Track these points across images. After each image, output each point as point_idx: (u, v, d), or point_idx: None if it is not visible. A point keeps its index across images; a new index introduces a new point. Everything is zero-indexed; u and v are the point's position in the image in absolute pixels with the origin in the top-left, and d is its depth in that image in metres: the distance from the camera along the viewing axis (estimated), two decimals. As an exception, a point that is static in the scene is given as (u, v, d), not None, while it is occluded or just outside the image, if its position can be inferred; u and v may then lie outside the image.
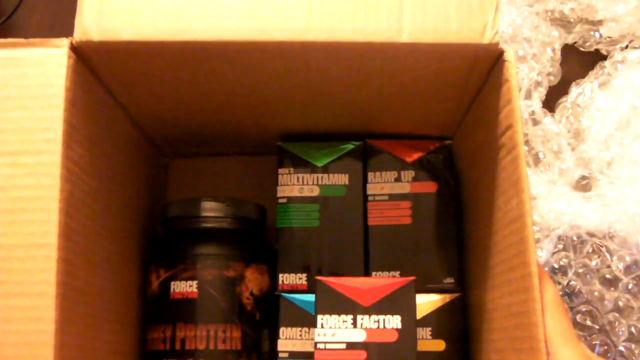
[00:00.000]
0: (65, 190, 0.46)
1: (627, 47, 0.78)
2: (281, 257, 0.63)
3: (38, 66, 0.47)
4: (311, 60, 0.52)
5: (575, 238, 0.72)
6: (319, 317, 0.54)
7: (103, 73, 0.53)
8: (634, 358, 0.69)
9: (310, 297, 0.61)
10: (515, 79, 0.48)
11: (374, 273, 0.62)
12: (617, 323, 0.69)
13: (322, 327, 0.53)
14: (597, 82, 0.77)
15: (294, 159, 0.65)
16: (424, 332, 0.60)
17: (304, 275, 0.62)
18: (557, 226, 0.72)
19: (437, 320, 0.61)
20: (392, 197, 0.63)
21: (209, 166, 0.76)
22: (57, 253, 0.45)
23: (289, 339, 0.60)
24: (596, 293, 0.70)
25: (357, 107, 0.61)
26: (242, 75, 0.54)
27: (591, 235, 0.72)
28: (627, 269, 0.70)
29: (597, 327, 0.70)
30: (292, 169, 0.65)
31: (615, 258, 0.71)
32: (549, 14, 0.79)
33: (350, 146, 0.65)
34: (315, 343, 0.53)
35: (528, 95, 0.77)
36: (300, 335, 0.60)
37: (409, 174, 0.64)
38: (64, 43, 0.47)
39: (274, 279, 0.63)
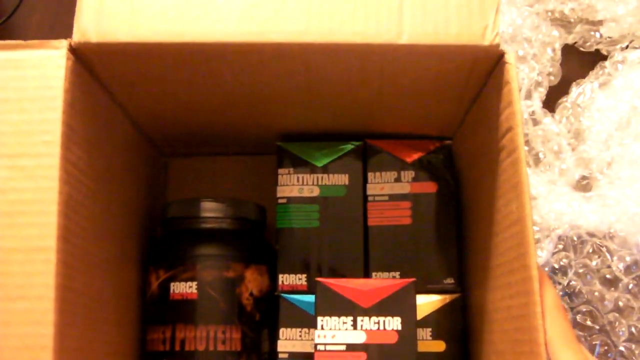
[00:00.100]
0: (64, 192, 0.46)
1: (627, 47, 0.78)
2: (281, 257, 0.63)
3: (36, 68, 0.47)
4: (311, 62, 0.51)
5: (575, 238, 0.72)
6: (319, 318, 0.54)
7: (102, 74, 0.53)
8: (634, 358, 0.69)
9: (310, 298, 0.61)
10: (516, 81, 0.48)
11: (373, 273, 0.62)
12: (617, 323, 0.69)
13: (322, 328, 0.53)
14: (598, 82, 0.77)
15: (293, 159, 0.65)
16: (424, 333, 0.60)
17: (304, 275, 0.62)
18: (558, 226, 0.72)
19: (437, 321, 0.61)
20: (392, 197, 0.63)
21: (208, 166, 0.76)
22: (56, 256, 0.44)
23: (288, 340, 0.60)
24: (596, 293, 0.70)
25: (357, 107, 0.61)
26: (241, 76, 0.54)
27: (591, 235, 0.72)
28: (627, 269, 0.70)
29: (597, 327, 0.70)
30: (291, 169, 0.64)
31: (615, 258, 0.71)
32: (549, 14, 0.79)
33: (350, 146, 0.65)
34: (315, 345, 0.53)
35: (528, 95, 0.77)
36: (300, 336, 0.60)
37: (409, 174, 0.64)
38: (62, 45, 0.47)
39: (273, 280, 0.63)
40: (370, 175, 0.64)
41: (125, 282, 0.61)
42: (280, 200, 0.64)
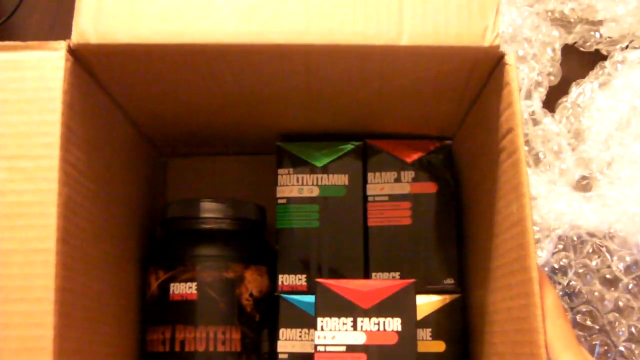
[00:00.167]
0: (63, 194, 0.46)
1: (627, 47, 0.78)
2: (281, 257, 0.63)
3: (35, 69, 0.47)
4: (311, 63, 0.51)
5: (575, 238, 0.72)
6: (319, 319, 0.54)
7: (101, 75, 0.53)
8: (634, 358, 0.69)
9: (310, 298, 0.61)
10: (516, 82, 0.48)
11: (373, 274, 0.62)
12: (617, 323, 0.69)
13: (322, 329, 0.53)
14: (598, 82, 0.77)
15: (293, 159, 0.65)
16: (424, 333, 0.60)
17: (304, 276, 0.62)
18: (557, 226, 0.72)
19: (437, 321, 0.60)
20: (392, 197, 0.63)
21: (208, 166, 0.76)
22: (55, 258, 0.44)
23: (288, 340, 0.60)
24: (596, 293, 0.70)
25: (357, 107, 0.61)
26: (241, 77, 0.54)
27: (591, 235, 0.72)
28: (627, 269, 0.70)
29: (597, 327, 0.70)
30: (291, 169, 0.64)
31: (615, 258, 0.71)
32: (549, 14, 0.79)
33: (350, 146, 0.65)
34: (315, 346, 0.53)
35: (528, 95, 0.77)
36: (300, 337, 0.60)
37: (408, 175, 0.64)
38: (61, 46, 0.47)
39: (273, 280, 0.63)
40: (370, 175, 0.64)
41: (124, 282, 0.61)
42: (280, 201, 0.64)
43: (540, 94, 0.77)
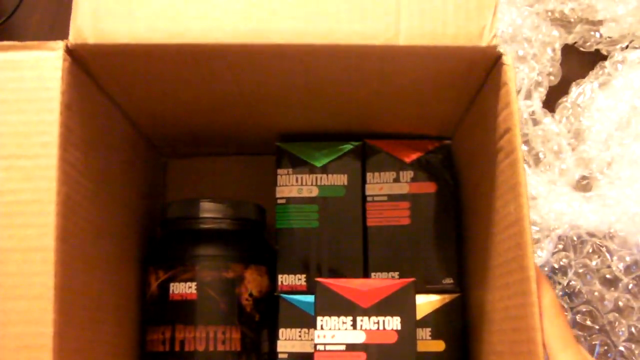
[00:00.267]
0: (62, 193, 0.46)
1: (627, 47, 0.78)
2: (280, 257, 0.63)
3: (33, 69, 0.47)
4: (309, 63, 0.51)
5: (575, 238, 0.72)
6: (319, 318, 0.54)
7: (99, 75, 0.53)
8: (634, 358, 0.69)
9: (310, 298, 0.61)
10: (513, 82, 0.48)
11: (373, 274, 0.62)
12: (617, 323, 0.69)
13: (321, 328, 0.53)
14: (597, 82, 0.77)
15: (292, 159, 0.65)
16: (424, 333, 0.60)
17: (304, 276, 0.62)
18: (557, 226, 0.72)
19: (437, 321, 0.61)
20: (391, 197, 0.63)
21: (208, 166, 0.76)
22: (54, 256, 0.45)
23: (288, 340, 0.60)
24: (596, 293, 0.70)
25: (356, 107, 0.61)
26: (240, 77, 0.54)
27: (591, 235, 0.72)
28: (627, 269, 0.70)
29: (597, 327, 0.70)
30: (291, 170, 0.64)
31: (615, 258, 0.71)
32: (549, 14, 0.79)
33: (349, 146, 0.65)
34: (315, 345, 0.53)
35: (528, 95, 0.77)
36: (300, 336, 0.60)
37: (407, 175, 0.64)
38: (59, 46, 0.47)
39: (273, 280, 0.63)
40: (369, 175, 0.64)
41: (124, 282, 0.61)
42: (279, 201, 0.64)
43: (540, 94, 0.77)
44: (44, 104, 0.46)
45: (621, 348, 0.69)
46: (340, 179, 0.64)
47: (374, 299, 0.54)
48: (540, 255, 0.71)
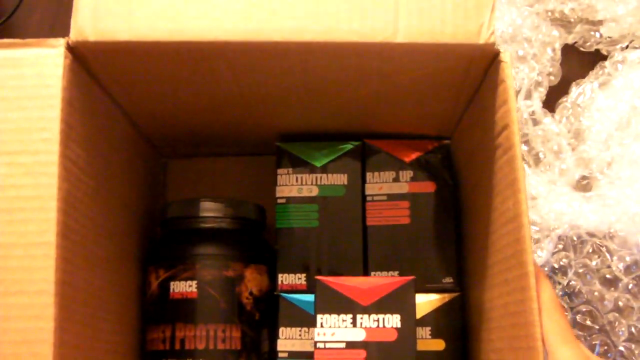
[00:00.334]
0: (63, 188, 0.46)
1: (627, 47, 0.78)
2: (280, 257, 0.63)
3: (34, 66, 0.47)
4: (308, 61, 0.52)
5: (575, 238, 0.72)
6: (319, 316, 0.54)
7: (100, 73, 0.53)
8: (634, 358, 0.69)
9: (310, 297, 0.61)
10: (511, 79, 0.48)
11: (372, 273, 0.62)
12: (617, 323, 0.69)
13: (321, 326, 0.54)
14: (597, 82, 0.77)
15: (292, 159, 0.65)
16: (424, 332, 0.60)
17: (303, 275, 0.62)
18: (557, 226, 0.72)
19: (437, 320, 0.61)
20: (391, 197, 0.63)
21: (208, 167, 0.76)
22: (55, 251, 0.45)
23: (288, 339, 0.61)
24: (596, 293, 0.70)
25: (356, 106, 0.61)
26: (240, 75, 0.54)
27: (591, 235, 0.72)
28: (627, 269, 0.70)
29: (597, 327, 0.70)
30: (291, 169, 0.65)
31: (615, 258, 0.71)
32: (549, 14, 0.79)
33: (349, 146, 0.65)
34: (315, 342, 0.53)
35: (528, 95, 0.77)
36: (300, 335, 0.60)
37: (407, 174, 0.64)
38: (60, 43, 0.47)
39: (273, 279, 0.63)
40: (368, 175, 0.64)
41: (124, 281, 0.62)
42: (279, 200, 0.64)
43: (540, 94, 0.77)
44: (45, 100, 0.46)
45: (621, 348, 0.69)
46: (340, 179, 0.64)
47: (374, 297, 0.54)
48: (540, 255, 0.71)
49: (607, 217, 0.71)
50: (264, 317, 0.62)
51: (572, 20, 0.79)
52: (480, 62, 0.51)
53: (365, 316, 0.53)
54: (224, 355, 0.60)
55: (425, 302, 0.61)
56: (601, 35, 0.79)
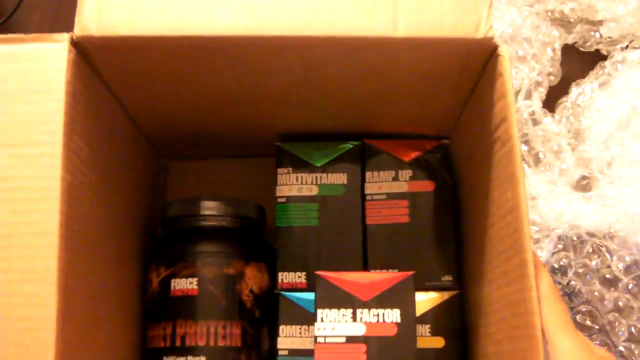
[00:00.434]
0: (66, 180, 0.46)
1: (627, 47, 0.79)
2: (280, 255, 0.63)
3: (39, 61, 0.47)
4: (308, 58, 0.52)
5: (575, 238, 0.72)
6: (319, 311, 0.54)
7: (103, 69, 0.53)
8: (634, 358, 0.68)
9: (310, 296, 0.61)
10: (509, 73, 0.49)
11: (372, 271, 0.62)
12: (617, 323, 0.69)
13: (321, 321, 0.54)
14: (597, 82, 0.77)
15: (292, 158, 0.65)
16: (423, 330, 0.60)
17: (303, 273, 0.62)
18: (557, 226, 0.72)
19: (436, 318, 0.61)
20: (390, 196, 0.64)
21: (208, 168, 0.76)
22: (58, 241, 0.45)
23: (288, 337, 0.61)
24: (596, 293, 0.70)
25: (355, 105, 0.61)
26: (240, 72, 0.54)
27: (591, 235, 0.72)
28: (627, 269, 0.70)
29: (597, 327, 0.70)
30: (291, 169, 0.65)
31: (615, 258, 0.71)
32: (549, 14, 0.80)
33: (348, 146, 0.65)
34: (315, 337, 0.54)
35: (528, 95, 0.77)
36: (300, 333, 0.61)
37: (406, 173, 0.64)
38: (64, 38, 0.48)
39: (273, 278, 0.63)
40: (368, 174, 0.64)
41: (125, 279, 0.62)
42: (279, 200, 0.64)
43: (540, 94, 0.77)
44: (49, 94, 0.47)
45: (621, 348, 0.69)
46: (339, 178, 0.64)
47: (374, 292, 0.54)
48: (540, 255, 0.72)
49: (607, 217, 0.71)
50: (264, 315, 0.63)
51: (572, 20, 0.80)
52: (478, 57, 0.51)
53: (366, 311, 0.54)
54: (224, 352, 0.60)
55: (425, 300, 0.61)
56: (601, 35, 0.79)
